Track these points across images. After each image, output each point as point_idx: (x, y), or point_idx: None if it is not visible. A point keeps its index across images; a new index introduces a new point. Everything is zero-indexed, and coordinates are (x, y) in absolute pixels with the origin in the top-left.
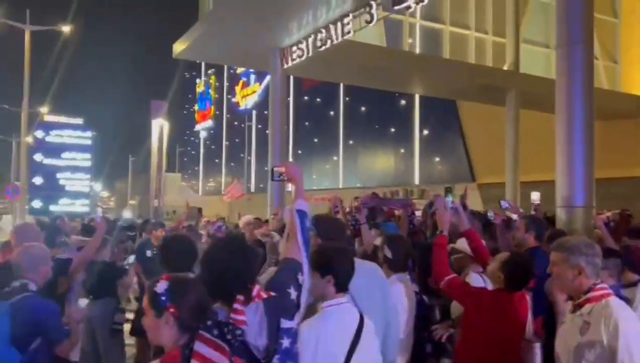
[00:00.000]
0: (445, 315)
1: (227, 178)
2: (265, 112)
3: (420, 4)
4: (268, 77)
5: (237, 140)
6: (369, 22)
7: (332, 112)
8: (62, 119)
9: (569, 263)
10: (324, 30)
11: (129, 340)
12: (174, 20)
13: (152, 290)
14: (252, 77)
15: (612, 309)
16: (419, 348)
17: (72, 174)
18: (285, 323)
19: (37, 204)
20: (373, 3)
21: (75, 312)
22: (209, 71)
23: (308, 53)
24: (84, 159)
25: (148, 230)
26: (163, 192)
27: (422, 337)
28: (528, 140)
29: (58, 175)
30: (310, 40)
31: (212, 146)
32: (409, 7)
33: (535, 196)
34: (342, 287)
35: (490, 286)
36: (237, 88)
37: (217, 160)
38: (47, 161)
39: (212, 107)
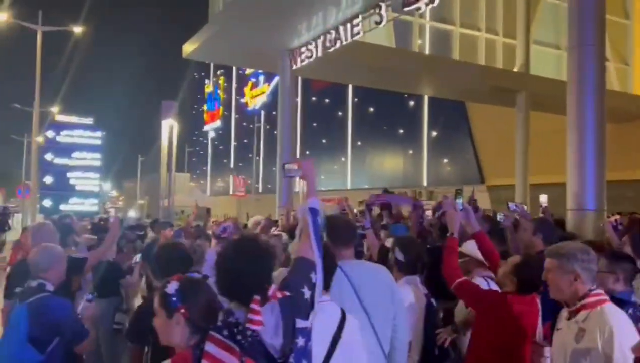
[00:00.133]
0: (449, 318)
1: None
2: (274, 113)
3: (431, 5)
4: (277, 78)
5: (245, 140)
6: (378, 23)
7: (340, 113)
8: (73, 119)
9: (564, 269)
10: (333, 31)
11: None
12: (184, 21)
13: (162, 291)
14: (261, 78)
15: (607, 316)
16: (426, 351)
17: (83, 173)
18: (300, 323)
19: (47, 203)
20: (383, 4)
21: (87, 310)
22: (218, 72)
23: (317, 54)
24: (93, 159)
25: (157, 229)
26: (172, 192)
27: (431, 341)
28: (538, 142)
29: (69, 175)
30: (320, 41)
31: (221, 147)
32: (418, 9)
33: (543, 199)
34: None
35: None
36: (246, 89)
37: (225, 160)
38: (58, 160)
39: (221, 108)
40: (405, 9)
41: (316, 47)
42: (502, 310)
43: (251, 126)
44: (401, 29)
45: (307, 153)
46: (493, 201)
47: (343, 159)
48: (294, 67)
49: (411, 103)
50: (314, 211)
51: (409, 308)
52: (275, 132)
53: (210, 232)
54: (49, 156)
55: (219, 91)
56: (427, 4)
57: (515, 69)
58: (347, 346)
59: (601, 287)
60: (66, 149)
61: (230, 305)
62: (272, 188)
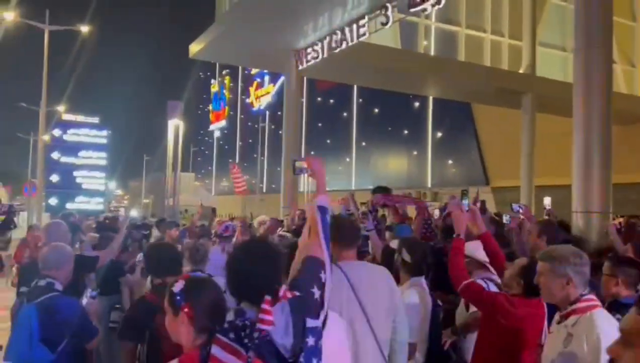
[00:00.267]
0: (450, 320)
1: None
2: (279, 113)
3: (437, 6)
4: (282, 78)
5: (250, 140)
6: (384, 24)
7: (345, 114)
8: (79, 118)
9: (557, 273)
10: (339, 32)
11: None
12: (190, 22)
13: (169, 290)
14: (266, 78)
15: (596, 322)
16: (430, 353)
17: (89, 172)
18: (310, 323)
19: (53, 201)
20: (389, 5)
21: (91, 306)
22: (224, 72)
23: (323, 55)
24: (99, 158)
25: (162, 229)
26: (177, 191)
27: (436, 342)
28: (543, 144)
29: (75, 173)
30: (326, 41)
31: (226, 146)
32: (425, 10)
33: (546, 201)
34: None
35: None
36: (251, 89)
37: (230, 160)
38: (64, 159)
39: (226, 108)
40: (412, 10)
41: (322, 47)
42: (508, 313)
43: (256, 126)
44: (407, 30)
45: (312, 153)
46: (498, 202)
47: (348, 159)
48: (300, 67)
49: (416, 104)
50: (322, 210)
51: (414, 310)
52: (280, 132)
53: (212, 231)
54: (55, 155)
55: (224, 91)
56: (433, 5)
57: (521, 71)
58: (328, 340)
59: (604, 290)
60: (72, 148)
61: (241, 304)
62: (276, 187)
